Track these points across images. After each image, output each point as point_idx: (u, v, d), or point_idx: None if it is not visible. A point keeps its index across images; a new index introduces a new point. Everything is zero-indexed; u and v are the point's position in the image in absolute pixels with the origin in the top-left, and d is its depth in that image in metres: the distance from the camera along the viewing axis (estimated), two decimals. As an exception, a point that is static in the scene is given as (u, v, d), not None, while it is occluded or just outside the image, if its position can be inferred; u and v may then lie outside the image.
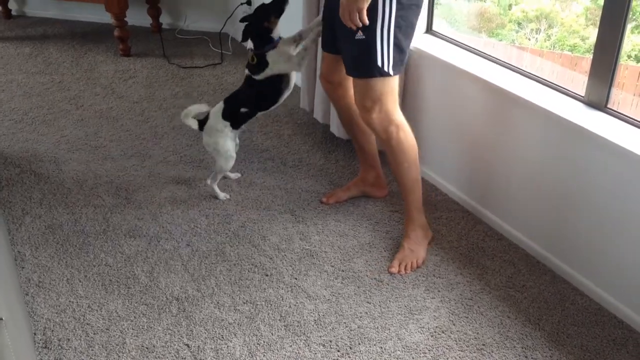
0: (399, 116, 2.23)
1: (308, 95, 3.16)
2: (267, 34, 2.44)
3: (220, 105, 2.59)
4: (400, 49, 2.11)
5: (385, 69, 2.11)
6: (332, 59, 2.39)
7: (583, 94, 2.17)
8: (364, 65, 2.12)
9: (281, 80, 2.50)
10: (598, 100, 2.12)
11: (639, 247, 1.97)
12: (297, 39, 2.50)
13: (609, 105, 2.11)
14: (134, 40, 4.24)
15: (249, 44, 2.52)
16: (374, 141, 2.57)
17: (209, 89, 3.68)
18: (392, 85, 2.18)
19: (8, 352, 1.29)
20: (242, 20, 2.48)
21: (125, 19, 4.03)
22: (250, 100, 2.55)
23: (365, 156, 2.61)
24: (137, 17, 4.43)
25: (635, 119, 2.04)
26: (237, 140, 2.71)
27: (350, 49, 2.14)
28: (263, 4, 2.44)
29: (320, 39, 2.44)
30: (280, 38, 2.47)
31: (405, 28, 2.10)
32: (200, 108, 2.62)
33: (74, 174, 2.81)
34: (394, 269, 2.27)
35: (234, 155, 2.62)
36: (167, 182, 2.77)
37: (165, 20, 4.60)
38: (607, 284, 2.11)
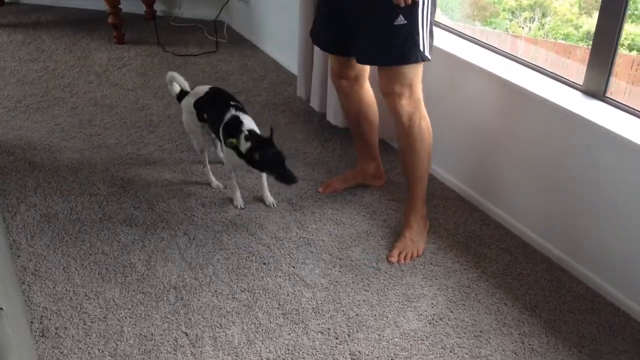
0: (423, 104, 2.20)
1: (305, 84, 3.15)
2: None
3: (202, 90, 2.55)
4: (431, 33, 2.08)
5: (426, 53, 2.06)
6: (342, 59, 2.34)
7: (581, 83, 2.17)
8: (404, 51, 2.03)
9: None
10: (597, 89, 2.12)
11: (637, 235, 1.98)
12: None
13: (607, 95, 2.11)
14: (128, 27, 4.21)
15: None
16: (377, 132, 2.57)
17: (204, 77, 3.65)
18: (421, 71, 2.14)
19: (8, 342, 1.28)
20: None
21: (119, 6, 3.99)
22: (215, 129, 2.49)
23: (368, 149, 2.60)
24: (132, 4, 4.39)
25: (634, 108, 2.04)
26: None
27: (384, 36, 2.02)
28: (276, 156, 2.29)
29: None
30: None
31: (434, 12, 2.08)
32: (182, 81, 2.66)
33: (68, 162, 2.80)
34: (394, 258, 2.26)
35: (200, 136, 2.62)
36: (163, 171, 2.76)
37: (159, 7, 4.57)
38: (604, 272, 2.12)
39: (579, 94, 2.16)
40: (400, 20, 1.97)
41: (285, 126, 3.14)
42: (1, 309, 1.21)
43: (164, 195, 2.59)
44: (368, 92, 2.45)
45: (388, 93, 2.15)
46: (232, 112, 2.40)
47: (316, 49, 2.94)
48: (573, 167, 2.14)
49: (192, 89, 2.65)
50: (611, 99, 2.10)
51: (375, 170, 2.64)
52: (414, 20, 1.99)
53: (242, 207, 2.52)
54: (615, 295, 2.09)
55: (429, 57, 2.08)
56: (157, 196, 2.58)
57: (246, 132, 2.29)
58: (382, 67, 2.14)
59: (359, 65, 2.32)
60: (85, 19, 4.49)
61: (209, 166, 2.66)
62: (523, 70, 2.34)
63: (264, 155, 2.27)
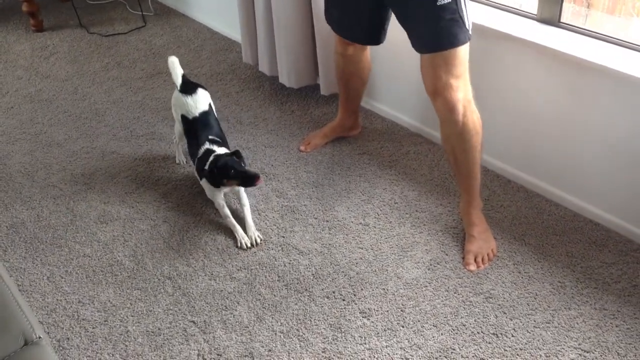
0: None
1: (250, 49, 3.07)
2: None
3: (193, 113, 2.33)
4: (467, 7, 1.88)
5: (470, 32, 1.87)
6: None
7: (535, 12, 2.21)
8: (454, 32, 1.84)
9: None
10: (550, 16, 2.17)
11: (603, 151, 2.07)
12: None
13: (561, 20, 2.16)
14: (44, 13, 3.96)
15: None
16: (364, 89, 2.58)
17: (140, 56, 3.51)
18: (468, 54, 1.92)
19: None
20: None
21: (32, -9, 3.75)
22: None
23: (352, 104, 2.60)
24: (42, -13, 4.13)
25: (586, 29, 2.11)
26: None
27: (430, 20, 1.85)
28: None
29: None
30: None
31: None
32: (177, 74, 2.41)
33: (20, 167, 2.65)
34: (472, 267, 2.04)
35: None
36: (123, 160, 2.66)
37: (72, -13, 4.31)
38: (578, 191, 2.22)
39: (534, 22, 2.21)
40: None
41: (237, 95, 3.08)
42: (39, 337, 1.16)
43: (132, 185, 2.51)
44: (367, 56, 2.44)
45: (443, 87, 1.91)
46: (207, 145, 2.24)
47: (258, 12, 2.86)
48: (535, 94, 2.20)
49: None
50: (565, 24, 2.15)
51: (354, 121, 2.67)
52: None
53: (248, 246, 2.18)
54: (593, 211, 2.19)
55: (471, 35, 1.89)
56: (125, 187, 2.50)
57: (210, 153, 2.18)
58: (435, 58, 1.90)
59: None
60: (-6, 10, 4.20)
61: (180, 145, 2.58)
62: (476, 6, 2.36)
63: (215, 163, 2.14)
